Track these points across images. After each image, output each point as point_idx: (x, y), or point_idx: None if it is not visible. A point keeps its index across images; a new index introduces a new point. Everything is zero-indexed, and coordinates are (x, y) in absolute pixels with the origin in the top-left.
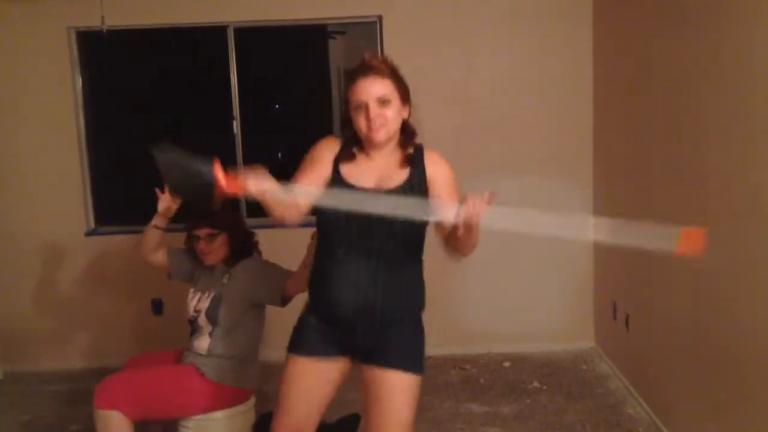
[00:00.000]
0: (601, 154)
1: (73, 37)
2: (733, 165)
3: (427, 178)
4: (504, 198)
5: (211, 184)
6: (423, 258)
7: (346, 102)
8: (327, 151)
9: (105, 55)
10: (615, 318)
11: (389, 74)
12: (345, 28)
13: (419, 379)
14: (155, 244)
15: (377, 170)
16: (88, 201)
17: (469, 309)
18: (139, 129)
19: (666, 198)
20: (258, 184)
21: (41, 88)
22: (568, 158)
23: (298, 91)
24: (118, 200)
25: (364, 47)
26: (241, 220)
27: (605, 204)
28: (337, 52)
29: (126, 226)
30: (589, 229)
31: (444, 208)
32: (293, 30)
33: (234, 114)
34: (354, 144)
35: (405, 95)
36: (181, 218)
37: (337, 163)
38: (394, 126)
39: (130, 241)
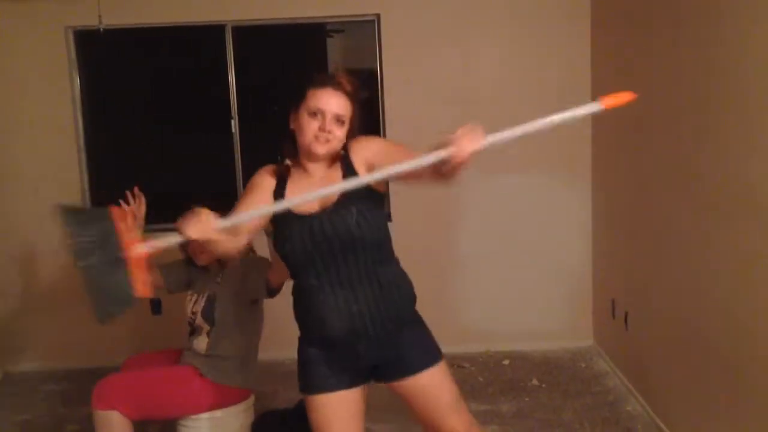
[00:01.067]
0: (599, 152)
1: (71, 36)
2: (730, 164)
3: (355, 164)
4: (503, 198)
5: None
6: (395, 255)
7: (298, 104)
8: (265, 180)
9: (103, 55)
10: (614, 316)
11: (353, 99)
12: (343, 27)
13: (444, 362)
14: None
15: (314, 186)
16: (86, 201)
17: (468, 307)
18: (137, 128)
19: (663, 196)
20: (202, 231)
21: (39, 87)
22: (566, 157)
23: (296, 90)
24: (116, 200)
25: (362, 46)
26: None
27: (604, 201)
28: (335, 50)
29: None
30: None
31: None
32: (291, 29)
33: (232, 113)
34: (290, 152)
35: (354, 124)
36: (167, 219)
37: (280, 190)
38: (337, 147)
39: None
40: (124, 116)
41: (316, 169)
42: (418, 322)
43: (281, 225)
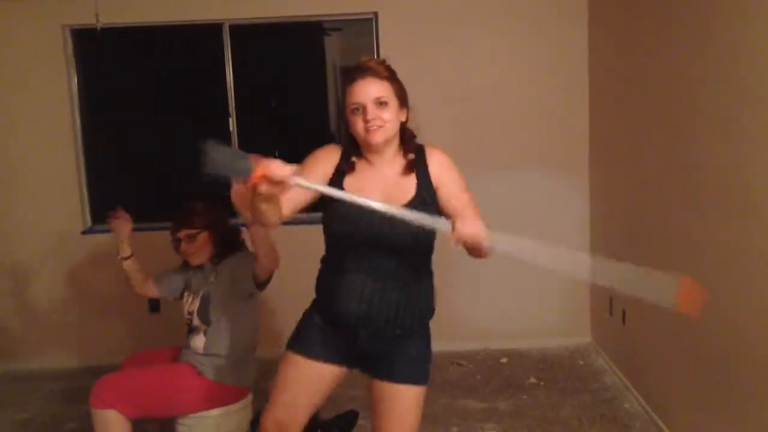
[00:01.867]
0: (597, 151)
1: (68, 34)
2: (727, 164)
3: (433, 183)
4: (502, 196)
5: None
6: (432, 270)
7: (343, 105)
8: (326, 161)
9: (100, 53)
10: (611, 313)
11: (387, 76)
12: (341, 25)
13: (425, 389)
14: (138, 274)
15: (382, 182)
16: (84, 199)
17: (466, 305)
18: (134, 126)
19: (661, 194)
20: (282, 171)
21: (36, 86)
22: (564, 156)
23: (294, 88)
24: (114, 198)
25: (360, 44)
26: (222, 218)
27: (601, 202)
28: (333, 49)
29: None
30: (587, 270)
31: (444, 221)
32: (289, 27)
33: (230, 111)
34: (353, 152)
35: (403, 98)
36: (161, 218)
37: (341, 175)
38: (392, 129)
39: None
40: (122, 114)
41: (381, 160)
42: (425, 338)
43: (336, 203)
